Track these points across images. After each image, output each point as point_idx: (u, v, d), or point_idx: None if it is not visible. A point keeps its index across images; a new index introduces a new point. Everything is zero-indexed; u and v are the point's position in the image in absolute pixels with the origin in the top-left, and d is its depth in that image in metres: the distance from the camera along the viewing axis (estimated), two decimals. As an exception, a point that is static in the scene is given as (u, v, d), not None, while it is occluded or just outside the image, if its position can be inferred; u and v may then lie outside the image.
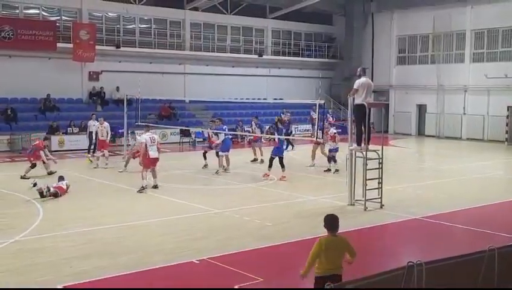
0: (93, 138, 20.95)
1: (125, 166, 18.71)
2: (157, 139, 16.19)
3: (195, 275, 8.60)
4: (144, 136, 15.97)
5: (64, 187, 14.59)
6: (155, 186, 15.52)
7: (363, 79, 13.29)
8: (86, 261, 8.93)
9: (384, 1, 36.57)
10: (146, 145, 15.49)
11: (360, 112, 13.22)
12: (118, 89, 29.65)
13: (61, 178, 15.09)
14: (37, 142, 18.18)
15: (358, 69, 13.84)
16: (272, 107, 33.75)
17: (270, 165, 17.55)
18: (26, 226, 11.11)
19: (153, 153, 15.54)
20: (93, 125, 21.23)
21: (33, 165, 17.21)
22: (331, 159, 18.88)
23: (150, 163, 15.54)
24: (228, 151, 18.83)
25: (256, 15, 35.82)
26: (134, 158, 18.24)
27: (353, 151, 13.45)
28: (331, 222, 6.50)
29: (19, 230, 10.77)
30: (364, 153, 13.22)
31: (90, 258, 9.12)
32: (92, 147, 21.39)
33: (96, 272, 8.40)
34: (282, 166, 17.42)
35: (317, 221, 12.19)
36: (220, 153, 18.72)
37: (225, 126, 19.82)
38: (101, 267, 8.64)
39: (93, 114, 22.80)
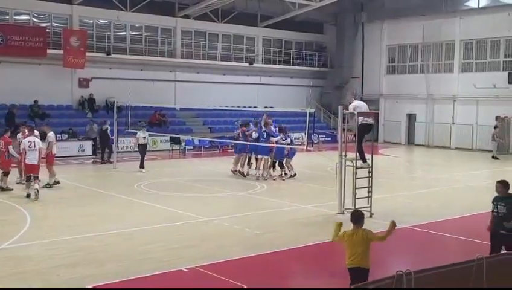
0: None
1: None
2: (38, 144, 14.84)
3: (184, 283, 8.53)
4: (24, 141, 14.84)
5: (45, 149, 13.68)
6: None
7: (356, 102, 13.72)
8: (74, 270, 8.84)
9: (374, 11, 36.80)
10: (25, 150, 14.55)
11: (361, 131, 13.45)
12: (108, 99, 29.46)
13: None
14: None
15: (348, 97, 14.29)
16: (262, 115, 33.71)
17: (274, 167, 19.36)
18: (13, 233, 10.99)
19: (29, 159, 14.52)
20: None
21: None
22: None
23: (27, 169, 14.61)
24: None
25: (247, 23, 35.87)
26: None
27: (343, 160, 13.49)
28: (354, 216, 7.22)
29: (5, 237, 10.64)
30: (354, 162, 13.26)
31: (78, 266, 9.03)
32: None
33: (84, 281, 8.32)
34: (280, 167, 19.29)
35: (307, 229, 12.22)
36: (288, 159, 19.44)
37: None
38: (88, 276, 8.55)
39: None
